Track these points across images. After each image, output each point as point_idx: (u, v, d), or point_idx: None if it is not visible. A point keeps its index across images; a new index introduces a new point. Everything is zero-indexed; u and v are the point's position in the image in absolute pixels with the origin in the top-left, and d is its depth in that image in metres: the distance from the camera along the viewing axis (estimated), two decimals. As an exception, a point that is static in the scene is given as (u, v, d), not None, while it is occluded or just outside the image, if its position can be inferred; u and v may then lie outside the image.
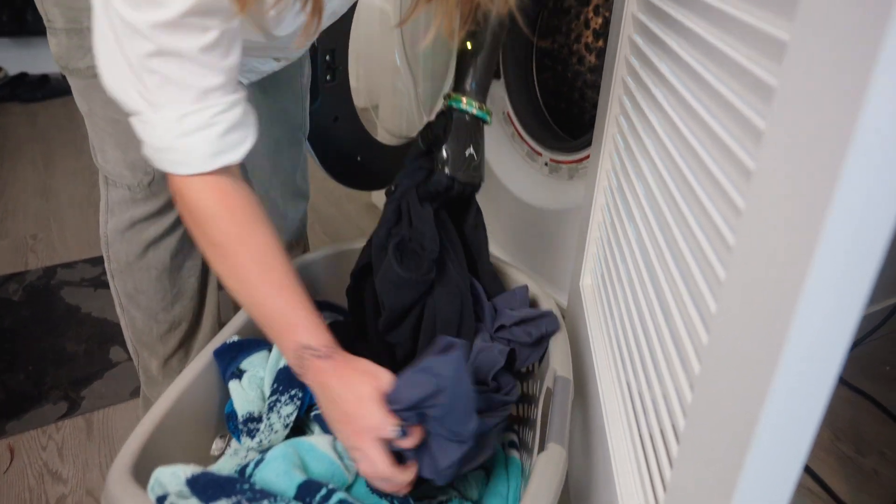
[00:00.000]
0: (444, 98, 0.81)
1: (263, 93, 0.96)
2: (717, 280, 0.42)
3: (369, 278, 0.80)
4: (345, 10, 0.77)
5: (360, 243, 0.85)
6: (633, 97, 0.70)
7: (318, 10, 0.57)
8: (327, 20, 0.75)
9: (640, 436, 0.59)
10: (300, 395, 0.72)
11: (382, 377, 0.61)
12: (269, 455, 0.62)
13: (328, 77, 1.17)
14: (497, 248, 1.44)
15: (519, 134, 1.34)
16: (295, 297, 0.63)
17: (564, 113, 1.39)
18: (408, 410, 0.58)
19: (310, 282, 0.87)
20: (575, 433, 0.86)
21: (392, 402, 0.59)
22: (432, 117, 0.84)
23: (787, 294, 0.30)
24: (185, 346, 0.97)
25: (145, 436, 0.61)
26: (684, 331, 0.49)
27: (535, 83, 1.39)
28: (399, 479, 0.59)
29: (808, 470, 1.03)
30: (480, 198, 0.84)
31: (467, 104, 0.78)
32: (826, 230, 0.28)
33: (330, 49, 1.15)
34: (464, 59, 0.80)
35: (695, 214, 0.49)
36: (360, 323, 0.83)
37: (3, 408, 1.12)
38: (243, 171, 0.74)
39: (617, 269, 0.74)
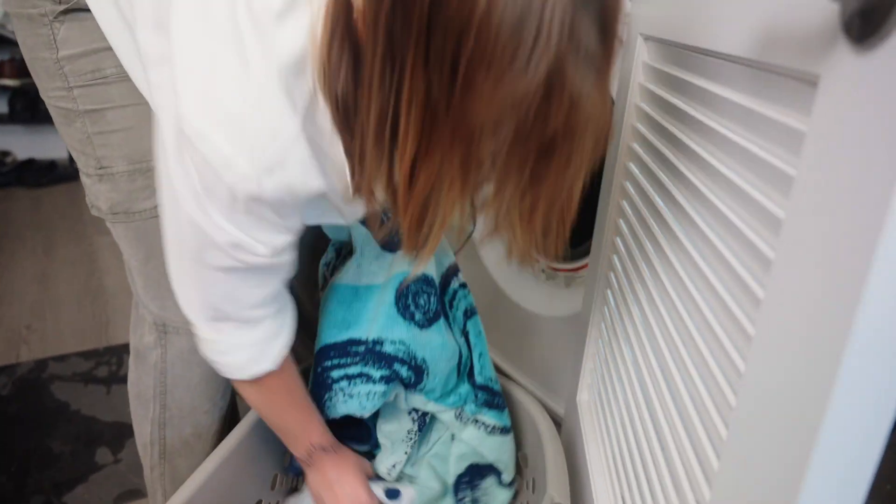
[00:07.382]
0: None
1: None
2: (727, 404, 0.41)
3: None
4: None
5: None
6: (634, 201, 0.70)
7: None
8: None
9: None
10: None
11: (367, 465, 0.84)
12: None
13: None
14: (496, 353, 1.44)
15: (517, 239, 1.37)
16: (310, 409, 0.78)
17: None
18: None
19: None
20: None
21: None
22: None
23: (805, 433, 0.30)
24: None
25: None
26: (692, 454, 0.47)
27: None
28: None
29: None
30: (478, 300, 0.95)
31: None
32: (855, 328, 0.27)
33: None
34: None
35: (702, 334, 0.48)
36: None
37: (-19, 512, 1.08)
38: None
39: (614, 386, 0.74)
